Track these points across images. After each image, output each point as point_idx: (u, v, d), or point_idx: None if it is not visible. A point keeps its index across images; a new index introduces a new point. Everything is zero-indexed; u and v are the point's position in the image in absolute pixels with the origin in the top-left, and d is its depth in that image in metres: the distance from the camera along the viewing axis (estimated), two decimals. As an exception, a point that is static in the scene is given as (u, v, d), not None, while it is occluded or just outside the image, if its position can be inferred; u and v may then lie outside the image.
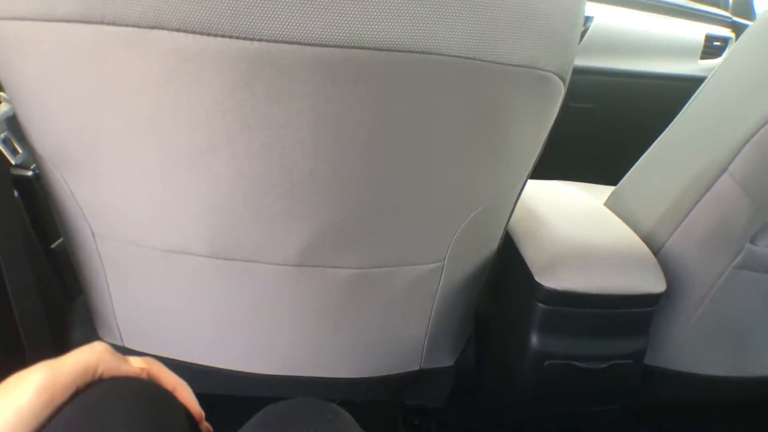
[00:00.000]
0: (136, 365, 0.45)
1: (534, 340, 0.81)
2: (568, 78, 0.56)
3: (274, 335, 0.78)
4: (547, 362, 0.82)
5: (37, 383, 0.37)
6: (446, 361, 0.91)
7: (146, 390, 0.43)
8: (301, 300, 0.73)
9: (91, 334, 0.84)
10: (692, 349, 0.98)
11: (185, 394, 0.47)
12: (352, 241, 0.66)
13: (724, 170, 0.76)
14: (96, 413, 0.38)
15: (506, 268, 0.86)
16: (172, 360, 0.83)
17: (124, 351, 0.83)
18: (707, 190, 0.78)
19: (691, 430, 1.39)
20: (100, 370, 0.41)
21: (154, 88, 0.50)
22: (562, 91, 0.56)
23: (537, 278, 0.78)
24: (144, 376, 0.45)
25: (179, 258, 0.67)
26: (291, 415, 0.45)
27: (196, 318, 0.76)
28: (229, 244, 0.65)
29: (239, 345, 0.80)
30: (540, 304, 0.79)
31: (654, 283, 0.82)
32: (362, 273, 0.70)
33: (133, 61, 0.49)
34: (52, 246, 0.90)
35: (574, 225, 0.85)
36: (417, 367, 0.89)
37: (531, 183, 0.83)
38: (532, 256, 0.81)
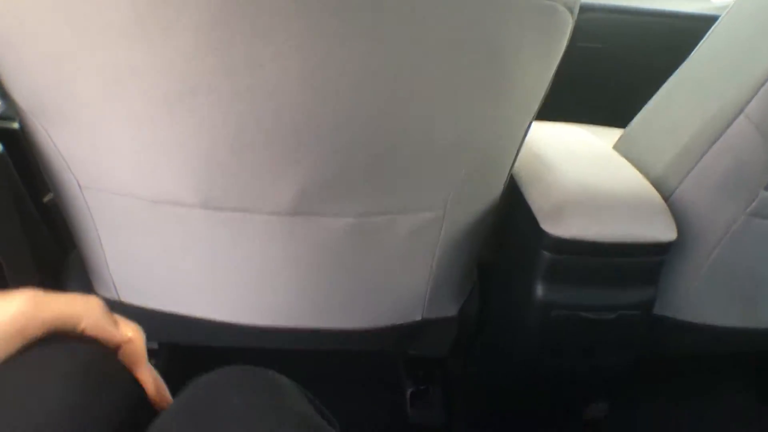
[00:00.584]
0: (124, 332, 0.43)
1: (539, 290, 0.78)
2: (576, 9, 0.51)
3: (272, 287, 0.77)
4: (553, 312, 0.80)
5: (17, 308, 0.36)
6: (449, 311, 0.90)
7: (98, 359, 0.40)
8: (298, 250, 0.71)
9: (86, 288, 0.82)
10: (702, 299, 0.95)
11: (146, 376, 0.46)
12: (347, 189, 0.64)
13: (740, 112, 0.72)
14: (29, 371, 0.36)
15: (511, 214, 0.84)
16: (170, 313, 0.81)
17: (120, 305, 0.81)
18: (722, 133, 0.74)
19: (698, 381, 1.38)
20: (83, 325, 0.40)
21: (127, 30, 0.47)
22: (570, 23, 0.52)
23: (542, 225, 0.75)
24: (123, 344, 0.43)
25: (167, 209, 0.64)
26: (219, 386, 0.42)
27: (191, 270, 0.75)
28: (218, 194, 0.62)
29: (237, 297, 0.79)
30: (546, 253, 0.76)
31: (664, 231, 0.79)
32: (360, 222, 0.68)
33: (104, 3, 0.45)
34: (45, 200, 0.88)
35: (581, 169, 0.82)
36: (419, 318, 0.88)
37: (537, 125, 0.80)
38: (537, 202, 0.78)
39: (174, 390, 0.99)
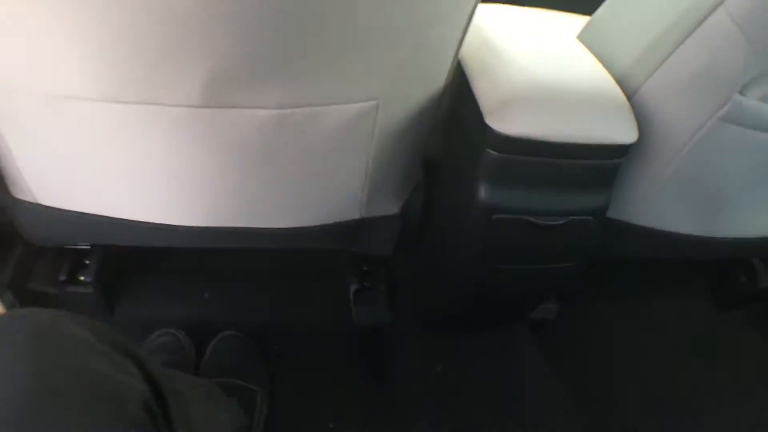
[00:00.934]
0: None
1: (482, 191, 0.72)
2: None
3: (196, 186, 0.71)
4: (495, 216, 0.74)
5: None
6: (390, 209, 0.84)
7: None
8: (218, 145, 0.65)
9: (3, 193, 0.76)
10: (661, 205, 0.90)
11: None
12: (265, 77, 0.56)
13: (719, 3, 0.63)
14: None
15: (457, 107, 0.76)
16: (94, 215, 0.77)
17: (41, 208, 0.76)
18: (697, 26, 0.66)
19: (655, 285, 1.36)
20: None
21: None
22: None
23: (488, 121, 0.67)
24: None
25: (68, 104, 0.57)
26: None
27: (107, 170, 0.69)
28: (116, 86, 0.55)
29: (161, 197, 0.74)
30: (490, 151, 0.69)
31: (624, 132, 0.72)
32: (283, 114, 0.61)
33: None
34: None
35: (536, 60, 0.73)
36: (357, 216, 0.82)
37: (490, 8, 0.70)
38: (483, 94, 0.70)
39: (113, 291, 0.92)
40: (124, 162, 0.67)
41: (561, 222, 0.77)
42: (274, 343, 1.07)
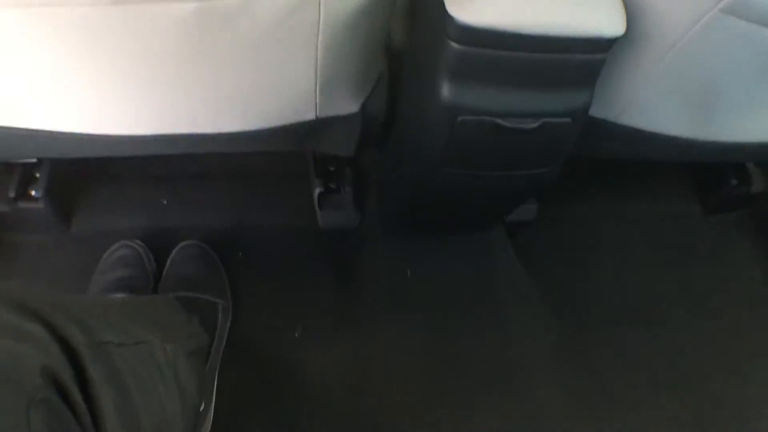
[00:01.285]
0: None
1: (444, 90, 0.64)
2: None
3: (126, 92, 0.65)
4: (460, 118, 0.66)
5: None
6: (349, 107, 0.76)
7: None
8: (139, 48, 0.58)
9: None
10: (650, 104, 0.82)
11: None
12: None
13: None
14: None
15: (419, -9, 0.66)
16: (28, 129, 0.70)
17: None
18: None
19: (640, 184, 1.30)
20: None
21: None
22: None
23: (448, 8, 0.58)
24: None
25: None
26: None
27: (27, 82, 0.62)
28: None
29: (90, 106, 0.68)
30: (452, 44, 0.60)
31: (610, 23, 0.63)
32: (204, 7, 0.53)
33: None
34: None
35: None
36: (313, 116, 0.74)
37: None
38: (445, -23, 0.60)
39: (67, 204, 0.84)
40: (44, 72, 0.61)
41: (535, 125, 0.69)
42: (236, 250, 1.03)
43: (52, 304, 0.45)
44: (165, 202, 1.03)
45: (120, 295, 0.87)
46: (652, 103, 0.82)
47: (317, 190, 0.97)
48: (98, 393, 0.44)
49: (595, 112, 0.82)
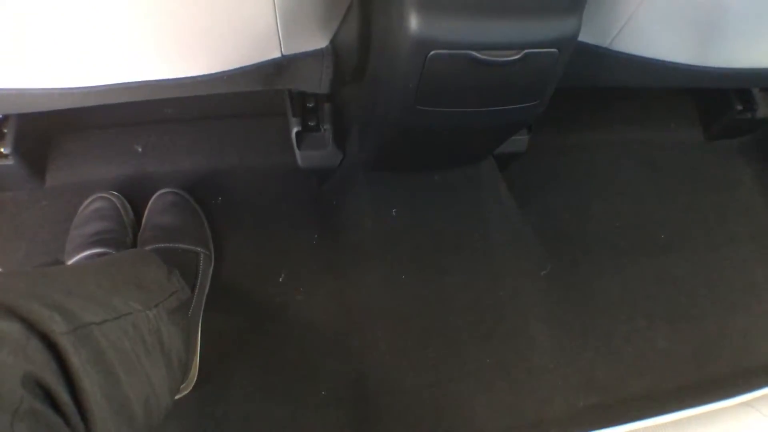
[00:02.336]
0: None
1: (413, 21, 0.58)
2: None
3: (85, 40, 0.62)
4: (432, 53, 0.60)
5: None
6: (317, 42, 0.71)
7: None
8: None
9: None
10: (648, 29, 0.77)
11: None
12: None
13: None
14: None
15: None
16: None
17: None
18: None
19: (641, 110, 1.24)
20: None
21: None
22: None
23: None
24: None
25: None
26: None
27: None
28: None
29: (42, 59, 0.64)
30: (419, -32, 0.54)
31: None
32: None
33: None
34: None
35: None
36: (278, 54, 0.69)
37: None
38: None
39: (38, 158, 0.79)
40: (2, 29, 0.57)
41: (516, 57, 0.63)
42: (215, 195, 0.99)
43: (26, 293, 0.43)
44: (140, 149, 0.99)
45: (98, 250, 0.84)
46: (650, 27, 0.76)
47: (295, 129, 0.92)
48: (83, 385, 0.42)
49: (586, 38, 0.76)
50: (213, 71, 0.71)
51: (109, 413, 0.44)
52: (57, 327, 0.42)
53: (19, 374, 0.37)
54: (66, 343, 0.42)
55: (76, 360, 0.42)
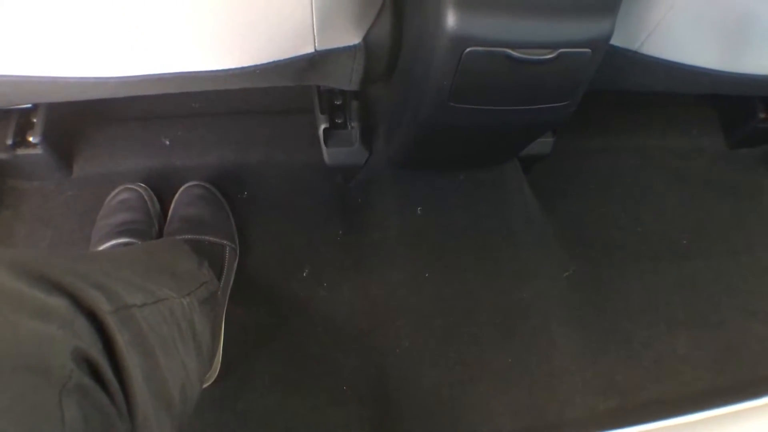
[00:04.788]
0: None
1: (450, 18, 0.59)
2: None
3: (119, 30, 0.63)
4: (468, 50, 0.61)
5: None
6: (350, 39, 0.72)
7: None
8: None
9: None
10: (678, 33, 0.77)
11: None
12: None
13: None
14: None
15: None
16: (20, 76, 0.68)
17: None
18: None
19: (663, 116, 1.24)
20: None
21: None
22: None
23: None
24: None
25: None
26: None
27: (14, 24, 0.60)
28: None
29: (80, 48, 0.65)
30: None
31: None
32: None
33: None
34: None
35: None
36: (311, 50, 0.70)
37: None
38: None
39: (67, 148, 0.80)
40: (36, 18, 0.59)
41: (550, 56, 0.64)
42: (241, 190, 1.00)
43: (72, 271, 0.42)
44: (167, 142, 1.00)
45: (124, 240, 0.85)
46: (679, 32, 0.76)
47: (323, 126, 0.93)
48: (127, 364, 0.42)
49: (616, 41, 0.77)
50: (247, 64, 0.71)
51: (149, 396, 0.45)
52: (103, 306, 0.42)
53: (69, 348, 0.36)
54: (111, 323, 0.42)
55: (120, 340, 0.42)
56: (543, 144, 1.04)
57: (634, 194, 1.17)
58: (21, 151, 0.91)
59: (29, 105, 0.91)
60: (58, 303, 0.39)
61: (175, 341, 0.55)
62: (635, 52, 0.81)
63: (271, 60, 0.71)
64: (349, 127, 0.95)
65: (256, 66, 0.72)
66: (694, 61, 0.82)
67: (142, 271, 0.59)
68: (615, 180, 1.17)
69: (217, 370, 0.85)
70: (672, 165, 1.20)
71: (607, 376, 0.98)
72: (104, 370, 0.40)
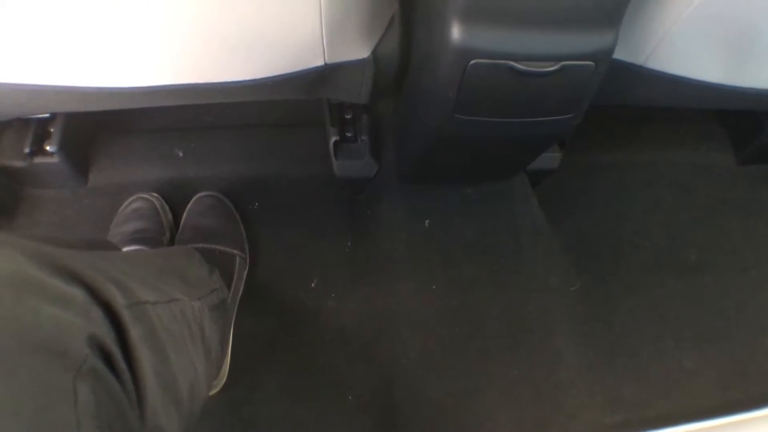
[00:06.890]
0: None
1: (455, 31, 0.60)
2: None
3: (134, 41, 0.64)
4: (472, 62, 0.63)
5: None
6: (359, 52, 0.73)
7: None
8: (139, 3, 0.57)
9: None
10: (680, 47, 0.78)
11: None
12: None
13: None
14: None
15: None
16: (38, 86, 0.70)
17: None
18: None
19: (671, 132, 1.25)
20: None
21: None
22: None
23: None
24: None
25: None
26: None
27: (32, 33, 0.61)
28: None
29: (97, 59, 0.67)
30: (463, -20, 0.57)
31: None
32: None
33: None
34: None
35: None
36: (321, 63, 0.72)
37: None
38: None
39: (82, 157, 0.82)
40: (54, 27, 0.61)
41: (553, 68, 0.65)
42: (252, 201, 1.02)
43: (90, 265, 0.44)
44: (181, 154, 1.02)
45: (136, 248, 0.87)
46: (684, 46, 0.77)
47: (333, 139, 0.95)
48: (138, 355, 0.43)
49: (621, 55, 0.78)
50: (259, 77, 0.73)
51: (158, 389, 0.46)
52: (117, 299, 0.43)
53: (85, 334, 0.38)
54: (125, 316, 0.43)
55: (133, 333, 0.43)
56: (551, 159, 1.05)
57: (643, 209, 1.17)
58: (38, 160, 0.93)
59: (47, 114, 0.93)
60: (76, 292, 0.40)
61: (186, 341, 0.56)
62: (641, 67, 0.82)
63: (282, 72, 0.73)
64: (359, 140, 0.97)
65: (267, 78, 0.73)
66: (700, 76, 0.83)
67: (156, 273, 0.61)
68: (623, 194, 1.17)
69: (225, 378, 0.86)
70: (681, 180, 1.21)
71: (613, 390, 0.97)
72: (117, 360, 0.41)
